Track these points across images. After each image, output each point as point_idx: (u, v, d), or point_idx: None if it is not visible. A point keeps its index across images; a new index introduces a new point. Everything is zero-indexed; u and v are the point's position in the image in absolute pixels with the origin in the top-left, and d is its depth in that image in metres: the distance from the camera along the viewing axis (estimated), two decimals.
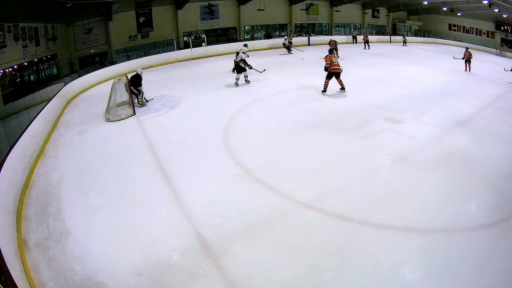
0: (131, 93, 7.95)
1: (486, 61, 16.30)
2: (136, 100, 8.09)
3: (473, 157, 5.19)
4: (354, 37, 21.44)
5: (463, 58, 13.42)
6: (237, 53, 9.62)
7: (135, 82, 8.02)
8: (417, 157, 5.16)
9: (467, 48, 14.05)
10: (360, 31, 24.66)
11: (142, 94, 8.16)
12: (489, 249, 3.28)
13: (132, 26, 16.59)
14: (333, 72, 8.44)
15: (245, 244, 3.35)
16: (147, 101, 8.30)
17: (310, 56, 15.36)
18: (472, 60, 13.36)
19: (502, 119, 7.10)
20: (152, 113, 7.53)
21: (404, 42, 21.72)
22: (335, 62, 8.44)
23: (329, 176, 4.61)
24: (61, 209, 4.01)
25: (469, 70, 13.32)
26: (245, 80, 9.86)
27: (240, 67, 9.58)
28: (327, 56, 8.62)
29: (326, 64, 8.47)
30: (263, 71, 10.33)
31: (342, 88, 8.71)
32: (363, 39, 19.65)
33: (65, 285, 2.90)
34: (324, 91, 8.60)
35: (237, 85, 9.60)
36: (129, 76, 8.30)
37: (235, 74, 9.83)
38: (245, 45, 10.82)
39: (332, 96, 8.48)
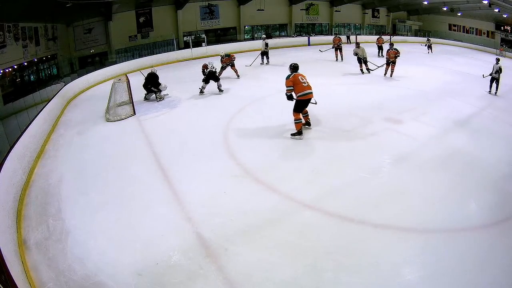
0: (149, 92, 8.51)
1: (486, 61, 16.26)
2: (154, 95, 8.55)
3: (473, 157, 5.19)
4: (348, 37, 21.36)
5: (333, 47, 12.39)
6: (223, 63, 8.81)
7: (153, 82, 8.44)
8: (417, 157, 5.16)
9: (336, 34, 12.80)
10: (359, 31, 24.66)
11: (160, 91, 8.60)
12: (489, 249, 3.28)
13: (132, 26, 16.60)
14: (303, 100, 5.53)
15: (245, 244, 3.35)
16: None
17: (309, 57, 15.33)
18: (343, 46, 12.30)
19: (502, 119, 7.11)
20: (152, 113, 7.53)
21: (429, 47, 17.71)
22: (305, 83, 5.52)
23: (329, 176, 4.61)
24: (61, 209, 4.02)
25: (342, 59, 12.63)
26: (219, 89, 8.88)
27: (209, 76, 8.68)
28: (289, 76, 5.56)
29: (288, 89, 5.52)
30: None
31: (307, 124, 6.02)
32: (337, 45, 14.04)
33: (65, 285, 2.90)
34: (299, 133, 5.69)
35: (202, 93, 8.78)
36: (135, 75, 8.48)
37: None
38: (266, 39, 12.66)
39: (332, 96, 8.48)
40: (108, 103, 7.70)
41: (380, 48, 15.16)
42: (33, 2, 11.03)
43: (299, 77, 5.53)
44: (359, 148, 5.46)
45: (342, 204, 3.94)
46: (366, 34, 24.37)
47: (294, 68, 5.70)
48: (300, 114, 5.68)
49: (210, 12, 19.12)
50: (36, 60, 12.63)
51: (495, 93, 9.37)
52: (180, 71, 12.88)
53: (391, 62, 10.61)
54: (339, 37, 14.04)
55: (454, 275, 2.95)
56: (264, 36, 15.17)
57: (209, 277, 2.94)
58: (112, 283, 2.88)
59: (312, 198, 4.05)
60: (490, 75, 9.50)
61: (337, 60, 13.87)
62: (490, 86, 9.50)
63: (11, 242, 3.21)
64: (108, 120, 7.16)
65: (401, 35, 25.73)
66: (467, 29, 24.40)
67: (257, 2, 19.39)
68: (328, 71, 11.90)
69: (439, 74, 11.99)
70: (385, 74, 10.66)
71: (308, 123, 6.03)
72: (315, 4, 22.89)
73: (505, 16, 20.57)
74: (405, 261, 3.15)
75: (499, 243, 3.36)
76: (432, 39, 19.93)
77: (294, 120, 5.66)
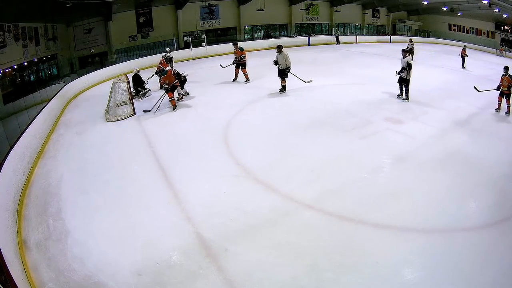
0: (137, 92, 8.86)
1: (486, 61, 16.29)
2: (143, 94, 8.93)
3: (473, 157, 5.19)
4: (337, 38, 21.28)
5: (233, 63, 9.73)
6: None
7: (140, 82, 9.03)
8: (417, 157, 5.16)
9: (235, 44, 9.90)
10: (359, 31, 24.64)
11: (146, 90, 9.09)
12: (488, 249, 3.28)
13: (132, 26, 16.61)
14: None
15: (245, 244, 3.35)
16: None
17: (309, 57, 15.34)
18: (245, 62, 9.52)
19: (502, 119, 7.10)
20: (152, 113, 7.53)
21: (410, 52, 12.42)
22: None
23: (329, 176, 4.61)
24: (61, 209, 4.02)
25: (247, 79, 9.63)
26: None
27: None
28: (165, 72, 7.59)
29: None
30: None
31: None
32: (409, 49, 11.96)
33: (65, 285, 2.90)
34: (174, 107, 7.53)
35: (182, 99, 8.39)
36: (130, 77, 8.68)
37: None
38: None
39: (332, 96, 8.48)
40: (108, 103, 7.70)
41: (463, 59, 13.41)
42: (33, 2, 11.04)
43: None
44: (359, 148, 5.46)
45: (342, 204, 3.94)
46: (366, 34, 24.36)
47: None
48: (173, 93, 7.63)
49: (210, 12, 19.12)
50: (36, 60, 12.62)
51: (404, 99, 7.66)
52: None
53: (239, 65, 8.70)
54: (240, 49, 9.77)
55: (454, 275, 2.95)
56: (168, 49, 11.23)
57: (209, 277, 2.94)
58: (112, 283, 2.88)
59: (312, 198, 4.05)
60: (398, 73, 7.62)
61: (235, 79, 9.97)
62: (400, 89, 7.75)
63: (11, 242, 3.22)
64: (108, 120, 7.16)
65: (401, 35, 25.73)
66: (467, 29, 24.40)
67: (257, 2, 19.39)
68: (328, 71, 11.90)
69: (439, 74, 11.99)
70: (497, 109, 7.23)
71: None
72: (315, 4, 22.89)
73: (505, 16, 20.56)
74: (405, 261, 3.15)
75: (499, 243, 3.36)
76: (415, 40, 17.02)
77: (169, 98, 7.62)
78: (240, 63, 9.76)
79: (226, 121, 6.68)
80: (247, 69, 9.83)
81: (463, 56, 13.61)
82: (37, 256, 3.26)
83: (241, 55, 9.70)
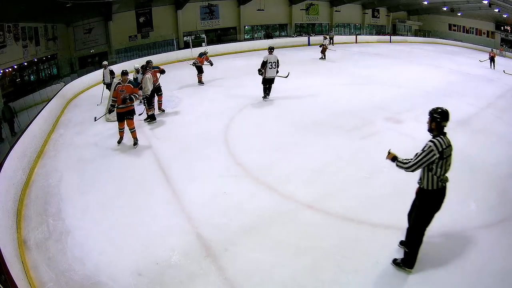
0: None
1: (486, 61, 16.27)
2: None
3: (473, 157, 5.18)
4: (331, 38, 21.16)
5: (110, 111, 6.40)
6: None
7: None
8: None
9: (146, 66, 7.17)
10: (359, 31, 24.63)
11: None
12: (489, 249, 3.27)
13: (132, 26, 16.61)
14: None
15: (245, 244, 3.35)
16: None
17: (308, 57, 15.33)
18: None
19: (502, 119, 7.10)
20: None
21: (324, 50, 14.09)
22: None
23: (329, 176, 4.61)
24: (61, 209, 4.02)
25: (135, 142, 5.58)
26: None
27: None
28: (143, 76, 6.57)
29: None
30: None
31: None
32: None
33: (65, 285, 2.90)
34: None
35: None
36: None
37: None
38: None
39: (332, 96, 8.48)
40: (108, 103, 7.69)
41: (492, 60, 14.27)
42: (33, 2, 11.03)
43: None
44: (360, 148, 5.46)
45: (342, 204, 3.94)
46: (366, 34, 24.36)
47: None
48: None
49: (210, 12, 19.12)
50: (36, 60, 12.64)
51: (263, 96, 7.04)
52: (180, 71, 12.88)
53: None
54: (134, 84, 6.15)
55: (454, 275, 2.95)
56: (105, 62, 9.15)
57: (209, 277, 2.94)
58: (112, 283, 2.88)
59: (312, 198, 4.05)
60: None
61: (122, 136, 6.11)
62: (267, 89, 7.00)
63: (11, 242, 3.21)
64: (108, 120, 7.15)
65: (401, 35, 25.75)
66: (467, 29, 24.40)
67: (257, 2, 19.39)
68: (329, 71, 11.90)
69: (439, 74, 12.00)
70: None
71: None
72: (315, 4, 22.89)
73: (505, 16, 20.57)
74: None
75: (499, 243, 3.36)
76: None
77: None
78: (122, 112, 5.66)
79: (226, 121, 6.68)
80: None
81: (491, 58, 14.55)
82: (37, 256, 3.26)
83: (131, 94, 5.68)
